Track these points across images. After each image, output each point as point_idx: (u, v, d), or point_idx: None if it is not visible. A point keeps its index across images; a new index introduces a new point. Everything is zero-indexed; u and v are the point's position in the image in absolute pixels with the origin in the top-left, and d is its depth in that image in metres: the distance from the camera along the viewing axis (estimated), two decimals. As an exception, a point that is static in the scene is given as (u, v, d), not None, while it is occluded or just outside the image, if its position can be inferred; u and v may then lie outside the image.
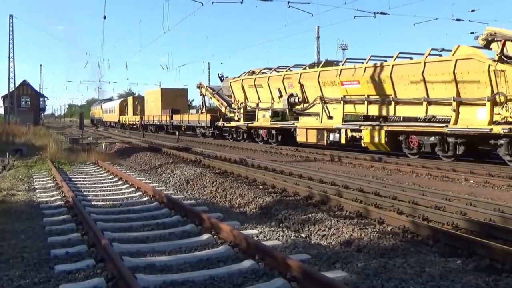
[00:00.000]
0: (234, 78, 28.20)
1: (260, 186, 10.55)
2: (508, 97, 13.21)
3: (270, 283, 4.37)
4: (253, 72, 26.90)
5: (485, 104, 13.75)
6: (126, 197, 9.67)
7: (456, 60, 14.32)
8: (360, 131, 17.80)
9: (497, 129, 13.17)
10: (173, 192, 10.58)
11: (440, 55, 16.00)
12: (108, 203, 9.02)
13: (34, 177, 13.20)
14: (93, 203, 8.99)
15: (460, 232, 6.28)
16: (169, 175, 13.35)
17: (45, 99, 69.72)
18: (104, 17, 23.55)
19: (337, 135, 19.08)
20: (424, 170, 12.95)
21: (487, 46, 13.82)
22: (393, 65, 16.70)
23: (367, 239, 6.08)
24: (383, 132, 16.70)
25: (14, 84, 52.49)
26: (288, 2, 19.92)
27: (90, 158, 17.42)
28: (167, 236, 6.39)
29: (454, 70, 14.34)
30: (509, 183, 10.48)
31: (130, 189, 10.46)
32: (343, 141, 18.74)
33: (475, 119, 14.11)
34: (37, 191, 10.73)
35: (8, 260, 5.39)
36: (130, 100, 53.48)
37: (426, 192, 9.13)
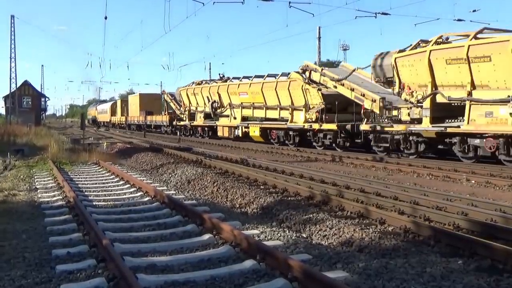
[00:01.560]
0: (184, 86, 35.88)
1: (261, 186, 10.55)
2: (311, 106, 21.32)
3: (271, 283, 4.37)
4: (196, 83, 34.39)
5: (302, 110, 21.74)
6: (127, 197, 9.68)
7: (290, 81, 22.74)
8: (248, 127, 25.92)
9: (306, 126, 21.15)
10: (174, 192, 10.58)
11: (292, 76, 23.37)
12: (109, 203, 9.02)
13: (35, 177, 13.21)
14: (94, 203, 9.00)
15: (462, 232, 6.28)
16: (170, 175, 13.34)
17: (47, 99, 69.58)
18: (106, 18, 23.77)
19: (238, 131, 26.91)
20: (425, 170, 12.94)
21: (303, 73, 21.78)
22: (263, 82, 24.98)
23: (368, 239, 6.07)
24: (258, 129, 25.10)
25: (16, 84, 52.45)
26: (289, 3, 19.98)
27: (91, 158, 17.43)
28: (168, 236, 6.40)
29: (288, 87, 22.63)
30: (510, 183, 10.46)
31: (132, 189, 10.46)
32: (240, 135, 26.65)
33: (299, 119, 22.03)
34: (38, 191, 10.74)
35: (10, 260, 5.40)
36: (118, 102, 60.25)
37: (427, 192, 9.12)
